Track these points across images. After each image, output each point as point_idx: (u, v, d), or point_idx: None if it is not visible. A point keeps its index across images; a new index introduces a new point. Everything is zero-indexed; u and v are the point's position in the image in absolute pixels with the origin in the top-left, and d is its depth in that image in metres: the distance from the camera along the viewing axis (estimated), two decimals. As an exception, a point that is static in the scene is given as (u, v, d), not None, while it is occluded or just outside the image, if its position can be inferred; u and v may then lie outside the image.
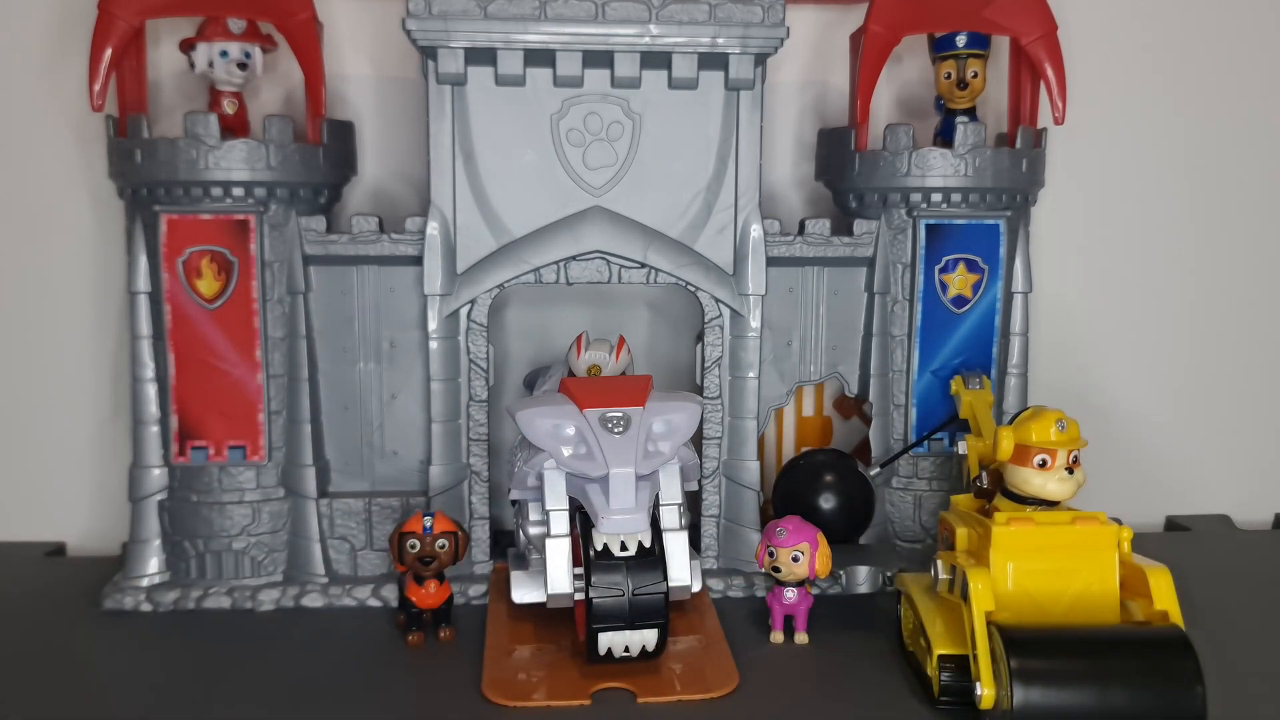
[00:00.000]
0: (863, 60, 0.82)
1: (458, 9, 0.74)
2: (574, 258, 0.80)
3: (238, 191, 0.77)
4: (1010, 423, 0.66)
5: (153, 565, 0.80)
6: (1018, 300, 0.85)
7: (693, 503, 0.80)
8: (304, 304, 0.80)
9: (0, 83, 0.89)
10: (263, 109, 0.87)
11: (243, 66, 0.81)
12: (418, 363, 0.81)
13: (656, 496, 0.67)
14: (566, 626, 0.71)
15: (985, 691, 0.59)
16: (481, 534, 0.81)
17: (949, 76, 0.85)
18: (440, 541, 0.72)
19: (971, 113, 0.86)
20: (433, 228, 0.78)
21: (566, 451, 0.66)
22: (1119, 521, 0.64)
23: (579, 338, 0.81)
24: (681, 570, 0.66)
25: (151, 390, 0.79)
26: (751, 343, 0.82)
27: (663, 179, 0.79)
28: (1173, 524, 1.01)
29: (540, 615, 0.71)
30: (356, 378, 0.82)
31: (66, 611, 0.77)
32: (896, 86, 0.95)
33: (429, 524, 0.72)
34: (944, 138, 0.86)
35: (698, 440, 0.81)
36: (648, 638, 0.65)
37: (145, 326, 0.79)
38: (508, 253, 0.79)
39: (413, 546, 0.71)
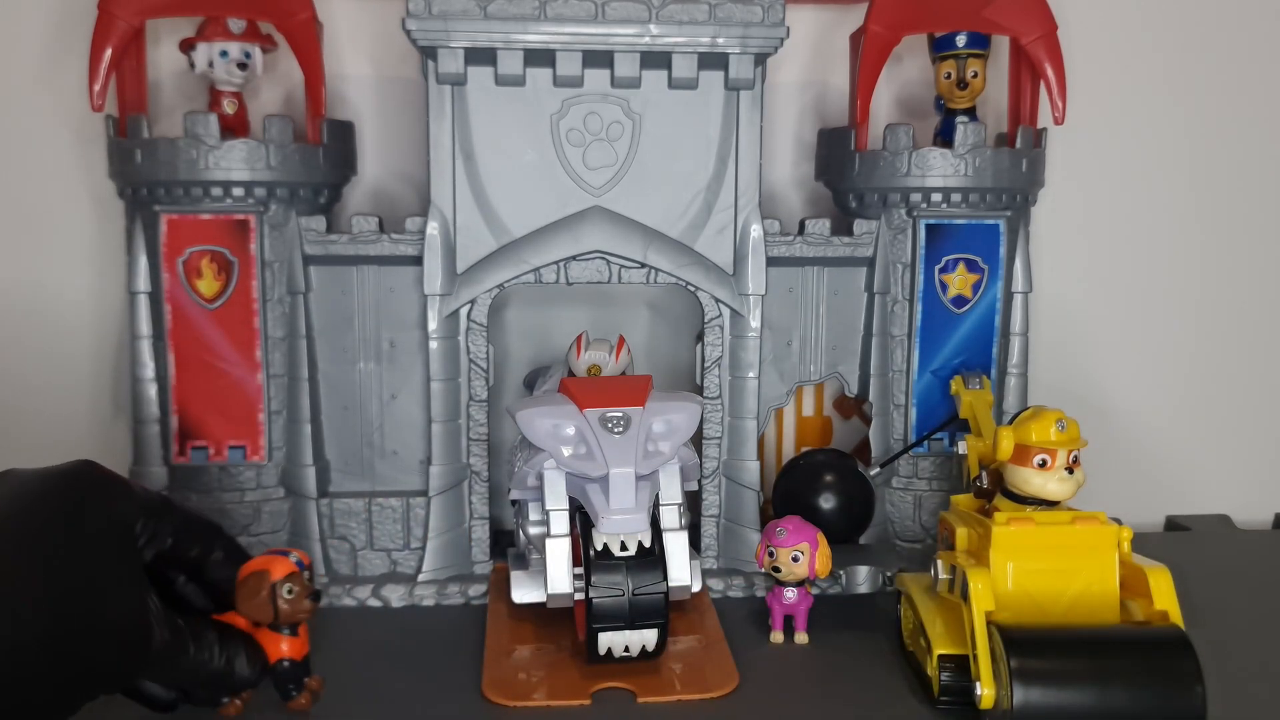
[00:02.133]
0: (863, 60, 0.82)
1: (458, 9, 0.74)
2: (574, 258, 0.80)
3: (238, 191, 0.77)
4: (1010, 423, 0.66)
5: (153, 565, 0.80)
6: (1018, 300, 0.85)
7: (693, 503, 0.80)
8: (304, 304, 0.80)
9: (0, 83, 0.89)
10: (263, 109, 0.87)
11: (243, 66, 0.81)
12: (418, 363, 0.81)
13: (656, 496, 0.67)
14: (566, 626, 0.71)
15: (985, 691, 0.59)
16: (481, 534, 0.82)
17: (949, 76, 0.85)
18: (306, 574, 0.61)
19: (971, 113, 0.86)
20: (433, 228, 0.78)
21: (566, 451, 0.66)
22: (1119, 521, 0.64)
23: (579, 338, 0.81)
24: (681, 570, 0.66)
25: (152, 390, 0.79)
26: (751, 343, 0.82)
27: (663, 179, 0.79)
28: (1173, 524, 1.01)
29: (540, 615, 0.71)
30: (356, 378, 0.82)
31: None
32: (896, 86, 0.95)
33: (297, 558, 0.60)
34: (944, 138, 0.86)
35: (698, 440, 0.81)
36: (648, 638, 0.65)
37: (145, 326, 0.79)
38: (508, 253, 0.79)
39: (290, 592, 0.59)
